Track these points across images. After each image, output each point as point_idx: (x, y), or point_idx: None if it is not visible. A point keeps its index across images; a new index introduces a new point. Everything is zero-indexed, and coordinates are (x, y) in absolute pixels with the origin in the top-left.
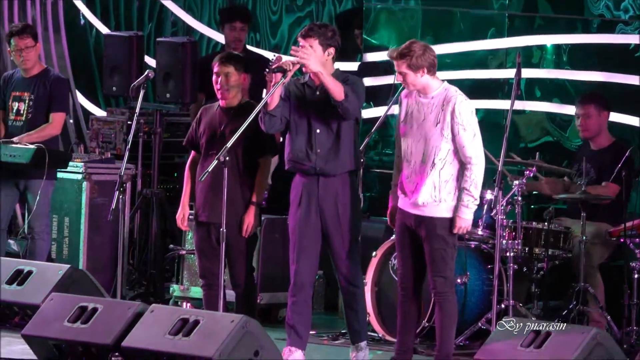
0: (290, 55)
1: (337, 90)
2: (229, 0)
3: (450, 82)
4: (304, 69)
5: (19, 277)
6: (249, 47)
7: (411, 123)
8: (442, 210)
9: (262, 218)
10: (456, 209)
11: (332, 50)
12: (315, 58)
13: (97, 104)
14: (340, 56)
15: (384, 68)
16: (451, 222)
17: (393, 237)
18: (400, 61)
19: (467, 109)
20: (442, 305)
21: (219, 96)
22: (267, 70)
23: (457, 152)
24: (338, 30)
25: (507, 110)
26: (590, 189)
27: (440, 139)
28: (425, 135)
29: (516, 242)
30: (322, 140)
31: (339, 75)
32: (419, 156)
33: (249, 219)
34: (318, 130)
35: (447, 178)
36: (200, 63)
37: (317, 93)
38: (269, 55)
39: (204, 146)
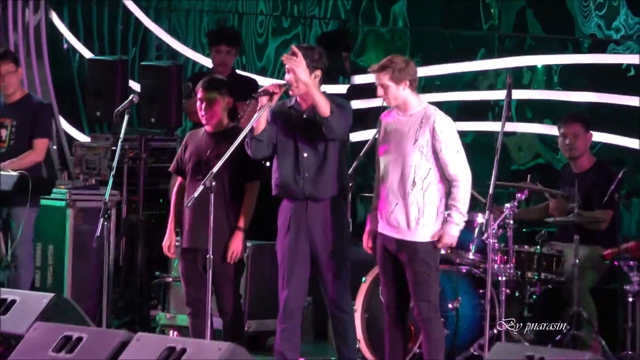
0: (282, 62)
1: (324, 105)
2: (217, 23)
3: (440, 103)
4: (290, 92)
5: (2, 307)
6: (238, 71)
7: (389, 142)
8: (424, 234)
9: (249, 244)
10: (418, 233)
11: (318, 72)
12: (304, 68)
13: (80, 129)
14: (325, 79)
15: (372, 90)
16: (434, 245)
17: None
18: (382, 73)
19: (447, 126)
20: (427, 331)
21: (204, 122)
22: (253, 94)
23: (442, 172)
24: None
25: (498, 132)
26: (585, 213)
27: (419, 157)
28: (403, 154)
29: (508, 266)
30: (309, 164)
31: (326, 96)
32: (397, 175)
33: (234, 245)
34: (305, 154)
35: (431, 200)
36: (195, 77)
37: (304, 116)
38: (260, 79)
39: (190, 172)
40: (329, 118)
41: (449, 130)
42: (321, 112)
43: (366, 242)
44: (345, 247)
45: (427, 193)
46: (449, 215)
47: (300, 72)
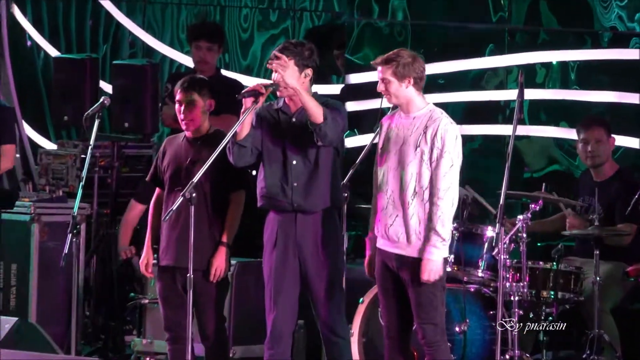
0: (267, 73)
1: (315, 111)
2: (197, 16)
3: (445, 104)
4: (278, 93)
5: None
6: (223, 71)
7: (389, 148)
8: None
9: (233, 261)
10: (422, 251)
11: (309, 71)
12: (292, 72)
13: (46, 135)
14: (317, 78)
15: (369, 90)
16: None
17: None
18: (386, 67)
19: (451, 134)
20: (433, 356)
21: (183, 127)
22: (237, 95)
23: None
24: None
25: (509, 137)
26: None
27: (419, 164)
28: (403, 161)
29: (521, 284)
30: (298, 173)
31: (317, 99)
32: (396, 184)
33: (218, 262)
34: (294, 162)
35: None
36: (174, 77)
37: (293, 120)
38: (245, 79)
39: (169, 182)
40: (322, 125)
41: (451, 140)
42: (313, 118)
43: (368, 269)
44: (339, 264)
45: (429, 204)
46: (428, 238)
47: (287, 77)
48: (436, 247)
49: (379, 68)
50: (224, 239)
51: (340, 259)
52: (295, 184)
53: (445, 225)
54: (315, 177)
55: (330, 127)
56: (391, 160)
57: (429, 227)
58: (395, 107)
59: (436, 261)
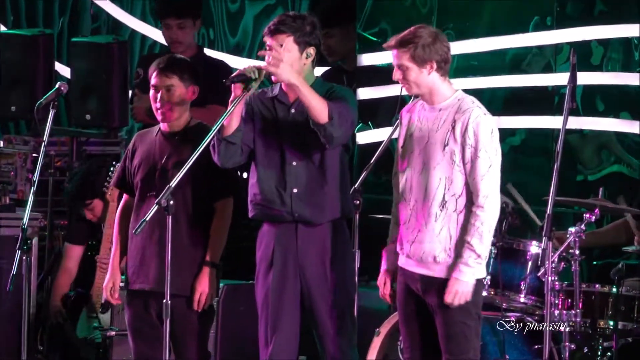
0: (258, 58)
1: (318, 109)
2: None
3: (479, 91)
4: (273, 78)
5: None
6: (207, 50)
7: (411, 147)
8: None
9: (220, 284)
10: (451, 268)
11: (311, 50)
12: (288, 64)
13: None
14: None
15: (386, 74)
16: (474, 286)
17: None
18: (401, 50)
19: (485, 128)
20: None
21: (158, 117)
22: (224, 80)
23: None
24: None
25: (558, 130)
26: None
27: (449, 167)
28: (429, 163)
29: (573, 312)
30: (299, 177)
31: (321, 85)
32: (421, 191)
33: (202, 286)
34: (294, 163)
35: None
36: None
37: (292, 111)
38: (234, 60)
39: (140, 186)
40: (327, 126)
41: (485, 134)
42: (315, 118)
43: (382, 287)
44: (349, 286)
45: (462, 216)
46: (460, 255)
47: (282, 72)
48: (468, 266)
49: (394, 52)
50: (209, 257)
51: (351, 280)
52: (295, 190)
53: (484, 240)
54: (319, 181)
55: (336, 127)
56: (414, 162)
57: (463, 240)
58: (416, 96)
59: (466, 282)
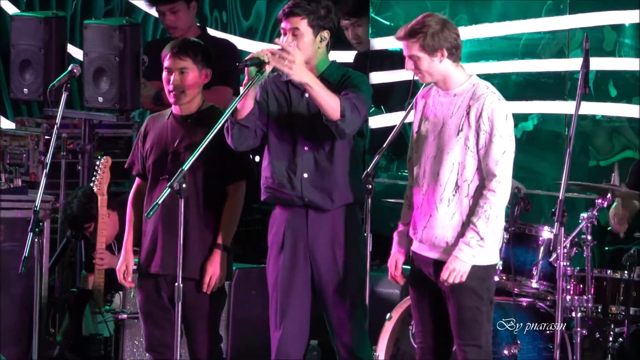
0: (271, 41)
1: (330, 108)
2: None
3: (491, 77)
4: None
5: None
6: (211, 31)
7: (426, 132)
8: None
9: (234, 268)
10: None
11: (326, 34)
12: (302, 62)
13: (2, 112)
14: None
15: (399, 58)
16: (486, 270)
17: None
18: (411, 41)
19: (499, 113)
20: None
21: (171, 100)
22: (237, 64)
23: None
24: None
25: (571, 116)
26: None
27: (463, 152)
28: (443, 148)
29: (585, 297)
30: (310, 161)
31: (337, 70)
32: (434, 177)
33: (213, 269)
34: (306, 147)
35: None
36: (152, 47)
37: (305, 95)
38: (247, 44)
39: (152, 169)
40: (339, 122)
41: (500, 120)
42: (329, 116)
43: (392, 270)
44: (361, 272)
45: (475, 201)
46: (463, 234)
47: (295, 72)
48: (469, 246)
49: (404, 43)
50: (220, 240)
51: (362, 265)
52: (305, 175)
53: (490, 223)
54: (330, 167)
55: (348, 124)
56: (428, 147)
57: (468, 220)
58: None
59: (464, 262)
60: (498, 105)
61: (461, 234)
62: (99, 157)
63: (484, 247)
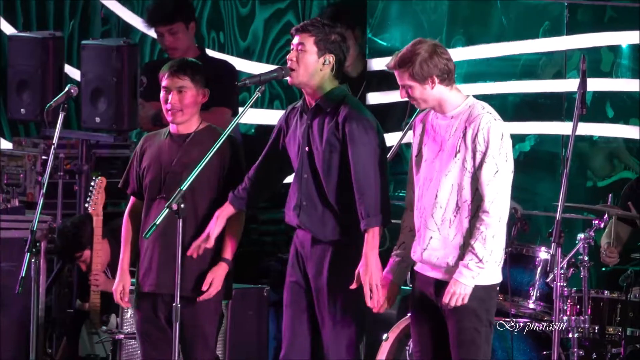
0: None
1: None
2: None
3: (488, 97)
4: (289, 80)
5: None
6: (209, 51)
7: (426, 155)
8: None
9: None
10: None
11: (330, 58)
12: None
13: None
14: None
15: (394, 79)
16: (486, 290)
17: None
18: (401, 70)
19: (495, 133)
20: None
21: (168, 118)
22: (237, 82)
23: None
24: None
25: (568, 137)
26: None
27: (461, 173)
28: (441, 170)
29: (582, 318)
30: (308, 189)
31: (338, 95)
32: (434, 199)
33: (217, 275)
34: (305, 175)
35: None
36: (150, 68)
37: (308, 122)
38: (244, 64)
39: (149, 189)
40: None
41: (495, 139)
42: None
43: (377, 294)
44: (354, 290)
45: (474, 222)
46: (462, 257)
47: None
48: (468, 268)
49: (395, 72)
50: (227, 254)
51: (356, 295)
52: (304, 203)
53: (487, 244)
54: (327, 198)
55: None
56: (427, 170)
57: (466, 243)
58: None
59: (464, 285)
60: (494, 125)
61: (462, 255)
62: (94, 178)
63: (484, 268)
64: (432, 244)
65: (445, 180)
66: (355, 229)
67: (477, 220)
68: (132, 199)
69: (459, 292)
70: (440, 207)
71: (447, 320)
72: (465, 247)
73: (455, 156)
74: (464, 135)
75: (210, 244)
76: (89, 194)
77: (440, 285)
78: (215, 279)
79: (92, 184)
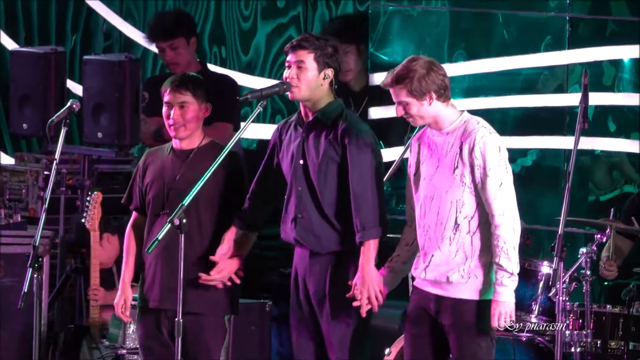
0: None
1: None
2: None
3: (490, 112)
4: (289, 95)
5: None
6: (211, 66)
7: (423, 173)
8: (473, 289)
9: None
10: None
11: (329, 72)
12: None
13: (1, 147)
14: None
15: None
16: (487, 305)
17: None
18: (398, 87)
19: (491, 147)
20: None
21: (171, 134)
22: (239, 97)
23: None
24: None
25: (570, 151)
26: None
27: (460, 189)
28: (440, 187)
29: (584, 332)
30: (304, 202)
31: (333, 110)
32: (434, 217)
33: (228, 265)
34: (300, 188)
35: (482, 245)
36: (151, 84)
37: (303, 134)
38: (246, 79)
39: (152, 204)
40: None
41: (492, 153)
42: None
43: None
44: (353, 317)
45: (476, 237)
46: (495, 278)
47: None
48: (503, 285)
49: (392, 90)
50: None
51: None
52: (300, 216)
53: (511, 257)
54: (324, 210)
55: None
56: (426, 188)
57: (493, 262)
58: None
59: (506, 302)
60: (489, 138)
61: (464, 271)
62: (90, 193)
63: (517, 279)
64: (434, 261)
65: (446, 197)
66: (353, 238)
67: (493, 238)
68: (134, 214)
69: (503, 311)
70: (441, 224)
71: (448, 335)
72: (467, 263)
73: (454, 172)
74: (460, 150)
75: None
76: (85, 209)
77: (441, 301)
78: (227, 264)
79: (88, 198)
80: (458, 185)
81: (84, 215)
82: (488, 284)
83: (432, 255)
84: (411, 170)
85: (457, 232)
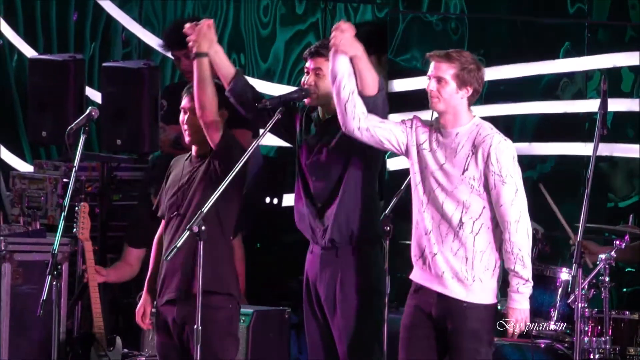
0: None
1: (372, 78)
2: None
3: (509, 118)
4: (306, 101)
5: None
6: None
7: (426, 171)
8: (475, 292)
9: (249, 310)
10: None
11: None
12: (352, 36)
13: (20, 155)
14: None
15: (417, 100)
16: (488, 310)
17: None
18: (447, 64)
19: (507, 154)
20: None
21: (187, 139)
22: (257, 104)
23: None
24: None
25: (589, 157)
26: None
27: (467, 191)
28: (445, 186)
29: (603, 339)
30: (317, 194)
31: None
32: (438, 214)
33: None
34: (314, 177)
35: (484, 247)
36: (170, 92)
37: (315, 128)
38: (265, 85)
39: (168, 208)
40: (372, 98)
41: (508, 160)
42: (367, 90)
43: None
44: (373, 312)
45: (479, 238)
46: (509, 285)
47: (342, 45)
48: (519, 293)
49: (433, 64)
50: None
51: (375, 305)
52: (312, 209)
53: (526, 263)
54: (336, 199)
55: (380, 103)
56: (429, 185)
57: (507, 269)
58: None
59: (522, 309)
60: (505, 145)
61: (466, 271)
62: (77, 205)
63: (531, 285)
64: (437, 259)
65: (451, 196)
66: (365, 233)
67: (507, 244)
68: (162, 222)
69: (520, 317)
70: (444, 223)
71: (448, 339)
72: (469, 261)
73: (463, 174)
74: (474, 154)
75: None
76: (75, 220)
77: (443, 301)
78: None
79: (76, 209)
80: (466, 186)
81: (74, 226)
82: (492, 289)
83: (435, 254)
84: (413, 166)
85: (461, 231)
